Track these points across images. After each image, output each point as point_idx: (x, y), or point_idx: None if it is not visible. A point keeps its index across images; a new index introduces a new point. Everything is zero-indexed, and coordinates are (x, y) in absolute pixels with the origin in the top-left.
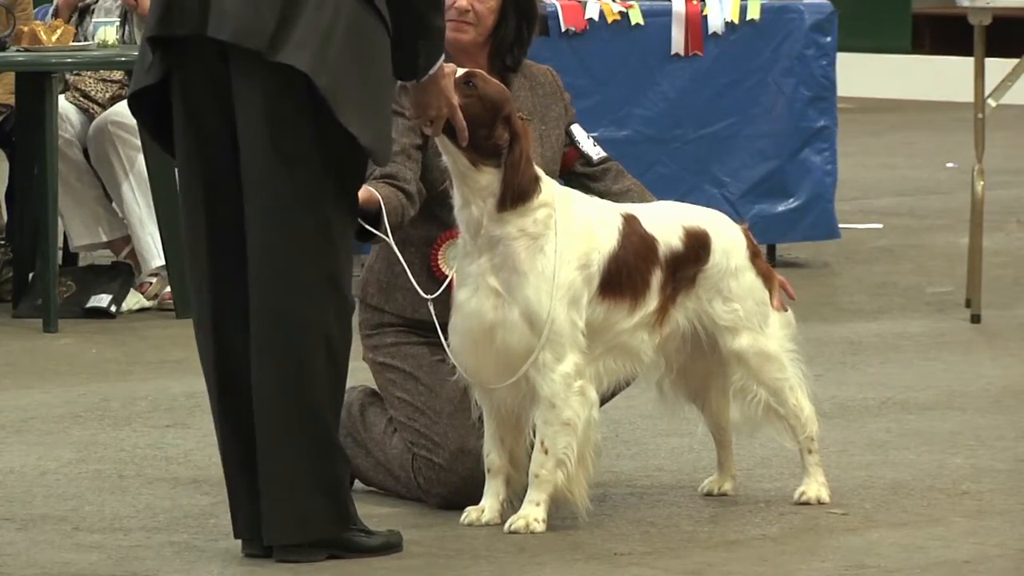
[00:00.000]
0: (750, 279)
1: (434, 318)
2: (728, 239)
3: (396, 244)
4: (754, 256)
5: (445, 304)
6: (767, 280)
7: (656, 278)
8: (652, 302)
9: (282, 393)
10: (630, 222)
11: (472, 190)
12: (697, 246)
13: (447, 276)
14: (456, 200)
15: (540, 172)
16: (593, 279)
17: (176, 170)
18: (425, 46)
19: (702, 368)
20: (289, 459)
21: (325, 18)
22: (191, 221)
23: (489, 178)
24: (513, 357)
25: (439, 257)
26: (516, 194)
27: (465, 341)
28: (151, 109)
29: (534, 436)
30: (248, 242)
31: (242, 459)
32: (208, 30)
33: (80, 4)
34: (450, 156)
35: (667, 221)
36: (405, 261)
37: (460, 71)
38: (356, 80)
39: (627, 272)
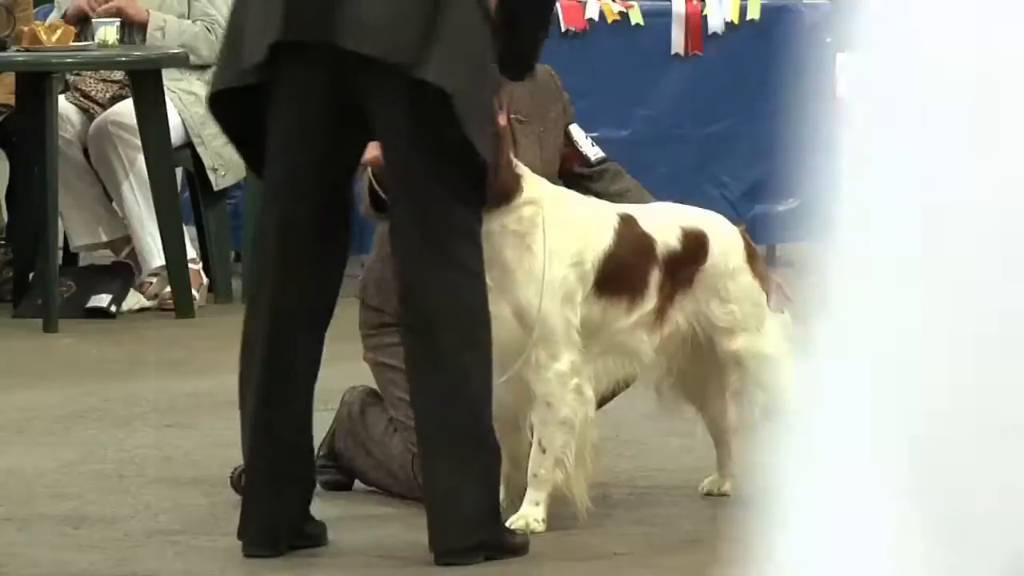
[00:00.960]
0: (747, 280)
1: None
2: (726, 240)
3: None
4: (751, 258)
5: None
6: (764, 282)
7: (654, 277)
8: (650, 301)
9: (448, 400)
10: (627, 222)
11: None
12: (695, 246)
13: None
14: None
15: (525, 171)
16: (588, 277)
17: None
18: (541, 42)
19: (700, 369)
20: (458, 461)
21: (458, 35)
22: (274, 220)
23: None
24: (505, 355)
25: None
26: (498, 194)
27: None
28: (230, 109)
29: (532, 436)
30: (394, 245)
31: (273, 465)
32: (341, 41)
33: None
34: None
35: (664, 221)
36: None
37: None
38: (479, 96)
39: (624, 271)
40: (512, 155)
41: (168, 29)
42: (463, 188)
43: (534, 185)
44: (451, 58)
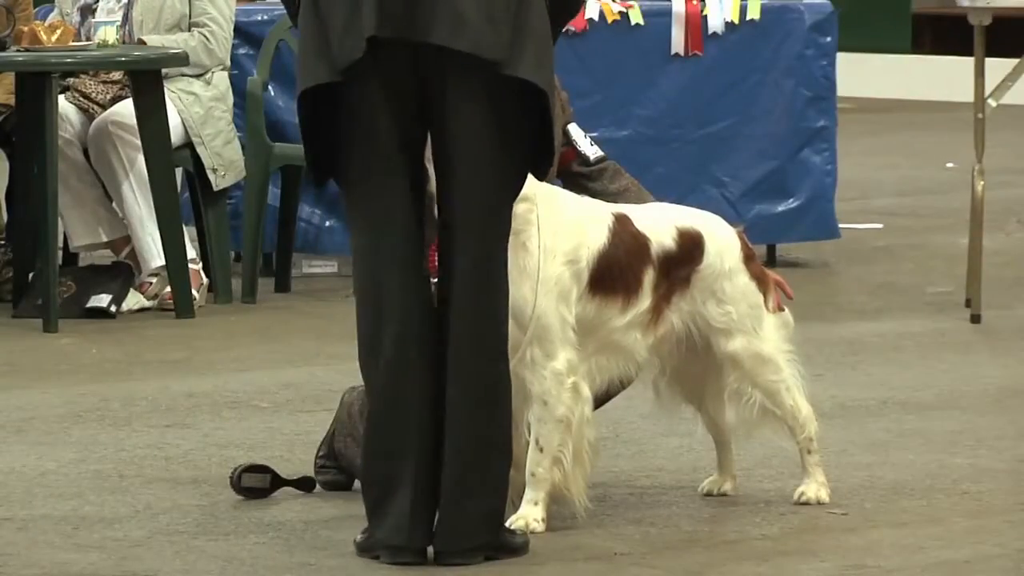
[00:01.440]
0: (744, 281)
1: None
2: (722, 241)
3: None
4: (748, 258)
5: None
6: (761, 283)
7: (648, 277)
8: (645, 301)
9: (483, 399)
10: (621, 221)
11: None
12: (691, 247)
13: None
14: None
15: None
16: (582, 275)
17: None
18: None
19: (697, 370)
20: (478, 465)
21: (539, 31)
22: (371, 215)
23: None
24: None
25: (436, 258)
26: None
27: None
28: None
29: (529, 435)
30: (454, 239)
31: (419, 469)
32: (434, 36)
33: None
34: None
35: (660, 221)
36: None
37: None
38: (553, 91)
39: (619, 269)
40: None
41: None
42: (518, 186)
43: (527, 183)
44: (537, 54)
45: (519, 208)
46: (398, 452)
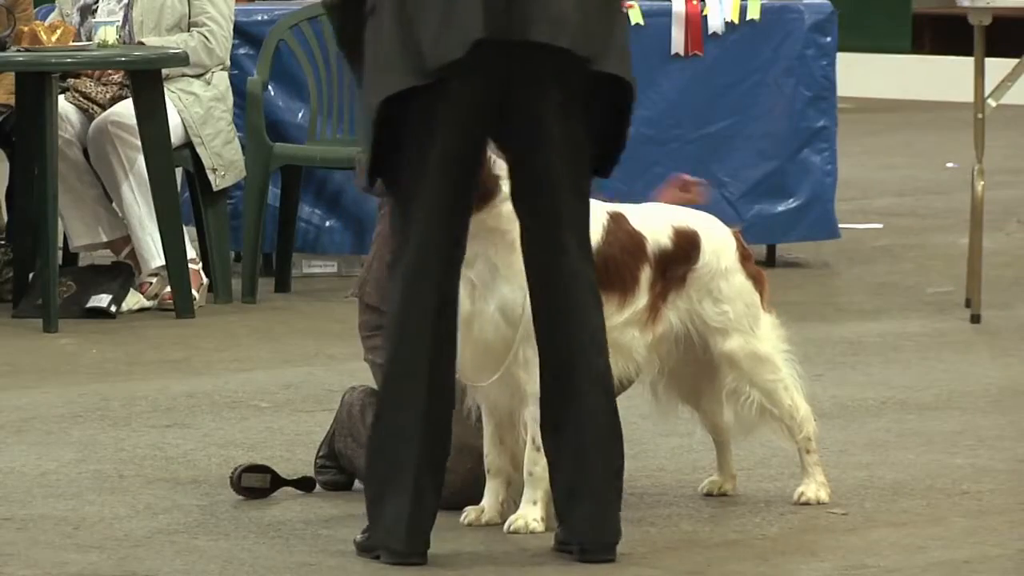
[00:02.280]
0: (740, 281)
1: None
2: (718, 240)
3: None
4: (744, 258)
5: None
6: (757, 282)
7: (645, 275)
8: (641, 299)
9: (608, 391)
10: (616, 219)
11: None
12: (687, 246)
13: None
14: None
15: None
16: None
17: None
18: None
19: (694, 370)
20: (615, 457)
21: (622, 26)
22: (431, 217)
23: None
24: (492, 352)
25: None
26: (483, 193)
27: (466, 348)
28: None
29: (526, 434)
30: (546, 236)
31: (432, 464)
32: (535, 34)
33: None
34: None
35: (656, 220)
36: None
37: None
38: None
39: (614, 268)
40: (494, 156)
41: None
42: (589, 179)
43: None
44: (622, 50)
45: (505, 208)
46: (401, 453)
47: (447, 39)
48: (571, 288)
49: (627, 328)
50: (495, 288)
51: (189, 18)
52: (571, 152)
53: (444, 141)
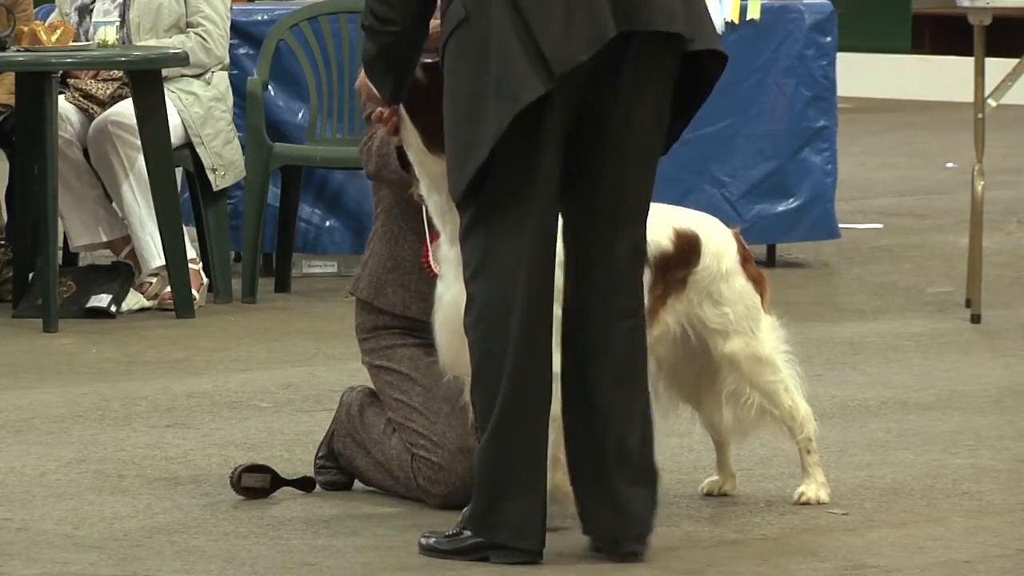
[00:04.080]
0: (740, 283)
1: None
2: (719, 242)
3: (391, 240)
4: (744, 260)
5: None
6: (758, 284)
7: (645, 277)
8: None
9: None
10: None
11: (431, 178)
12: (687, 248)
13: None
14: (422, 188)
15: None
16: None
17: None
18: None
19: (693, 371)
20: (651, 452)
21: (705, 4)
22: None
23: (443, 167)
24: None
25: (430, 256)
26: None
27: (445, 333)
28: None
29: None
30: (616, 225)
31: (596, 463)
32: (656, 23)
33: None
34: (408, 138)
35: (656, 222)
36: (400, 256)
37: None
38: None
39: None
40: None
41: None
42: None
43: None
44: (711, 25)
45: None
46: (530, 454)
47: (572, 41)
48: (622, 278)
49: None
50: None
51: (186, 15)
52: (652, 138)
53: (551, 139)
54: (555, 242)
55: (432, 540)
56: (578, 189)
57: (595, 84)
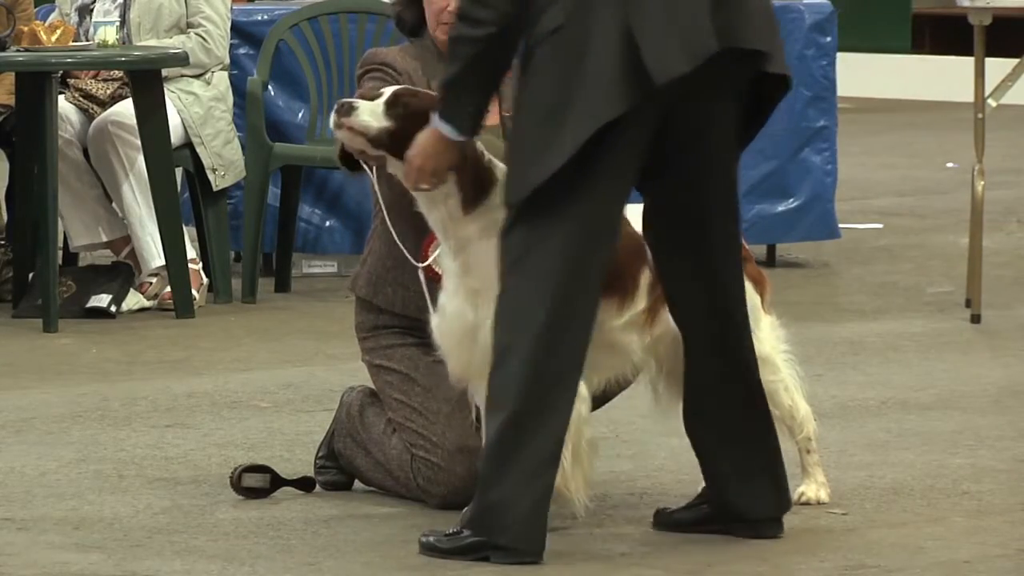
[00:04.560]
0: None
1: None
2: None
3: (390, 238)
4: (744, 260)
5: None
6: (757, 284)
7: (645, 278)
8: (641, 301)
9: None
10: None
11: (428, 197)
12: None
13: (438, 275)
14: (421, 205)
15: (504, 171)
16: None
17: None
18: None
19: None
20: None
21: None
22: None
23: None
24: None
25: (429, 255)
26: (471, 195)
27: (449, 343)
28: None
29: None
30: (712, 239)
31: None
32: (745, 41)
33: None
34: (398, 172)
35: None
36: (400, 254)
37: (388, 93)
38: None
39: (615, 270)
40: (486, 152)
41: None
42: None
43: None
44: (782, 47)
45: (499, 214)
46: (546, 456)
47: (673, 53)
48: (728, 277)
49: (626, 330)
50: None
51: (186, 15)
52: (728, 150)
53: (626, 148)
54: (607, 252)
55: (432, 539)
56: (663, 206)
57: (681, 97)
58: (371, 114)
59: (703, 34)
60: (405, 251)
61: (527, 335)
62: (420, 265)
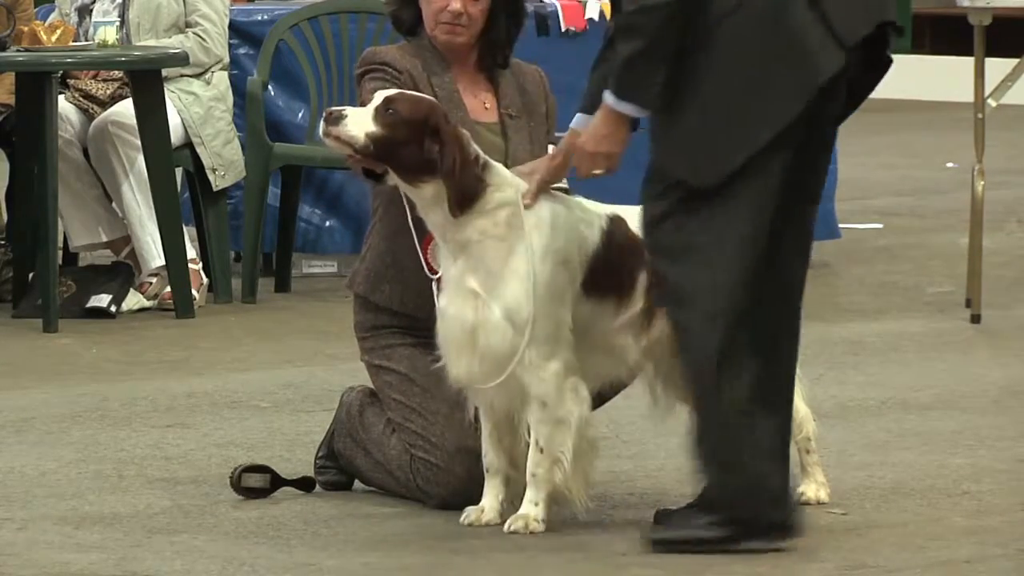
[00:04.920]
0: None
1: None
2: None
3: (389, 235)
4: None
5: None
6: None
7: (642, 280)
8: (637, 303)
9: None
10: (616, 222)
11: (424, 202)
12: None
13: (438, 272)
14: (419, 211)
15: (500, 171)
16: (576, 276)
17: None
18: None
19: None
20: None
21: None
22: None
23: (433, 189)
24: (498, 358)
25: (429, 254)
26: (461, 198)
27: (450, 346)
28: None
29: (529, 436)
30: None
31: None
32: (891, 15)
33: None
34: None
35: None
36: (398, 251)
37: (379, 99)
38: None
39: (612, 271)
40: (480, 152)
41: None
42: None
43: (510, 187)
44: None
45: (501, 215)
46: (780, 429)
47: (856, 15)
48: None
49: (622, 332)
50: (500, 295)
51: (185, 15)
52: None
53: (794, 135)
54: (765, 237)
55: (661, 534)
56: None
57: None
58: (358, 124)
59: (859, 24)
60: (423, 260)
61: (712, 322)
62: (434, 277)
